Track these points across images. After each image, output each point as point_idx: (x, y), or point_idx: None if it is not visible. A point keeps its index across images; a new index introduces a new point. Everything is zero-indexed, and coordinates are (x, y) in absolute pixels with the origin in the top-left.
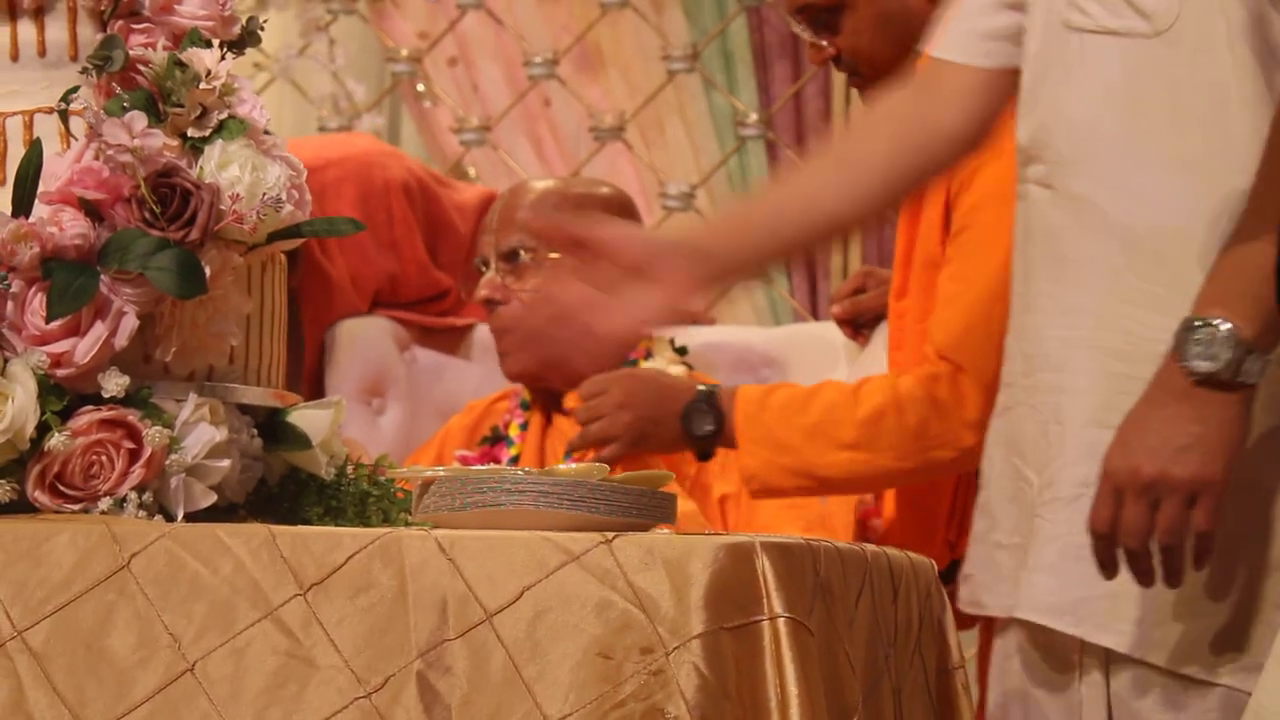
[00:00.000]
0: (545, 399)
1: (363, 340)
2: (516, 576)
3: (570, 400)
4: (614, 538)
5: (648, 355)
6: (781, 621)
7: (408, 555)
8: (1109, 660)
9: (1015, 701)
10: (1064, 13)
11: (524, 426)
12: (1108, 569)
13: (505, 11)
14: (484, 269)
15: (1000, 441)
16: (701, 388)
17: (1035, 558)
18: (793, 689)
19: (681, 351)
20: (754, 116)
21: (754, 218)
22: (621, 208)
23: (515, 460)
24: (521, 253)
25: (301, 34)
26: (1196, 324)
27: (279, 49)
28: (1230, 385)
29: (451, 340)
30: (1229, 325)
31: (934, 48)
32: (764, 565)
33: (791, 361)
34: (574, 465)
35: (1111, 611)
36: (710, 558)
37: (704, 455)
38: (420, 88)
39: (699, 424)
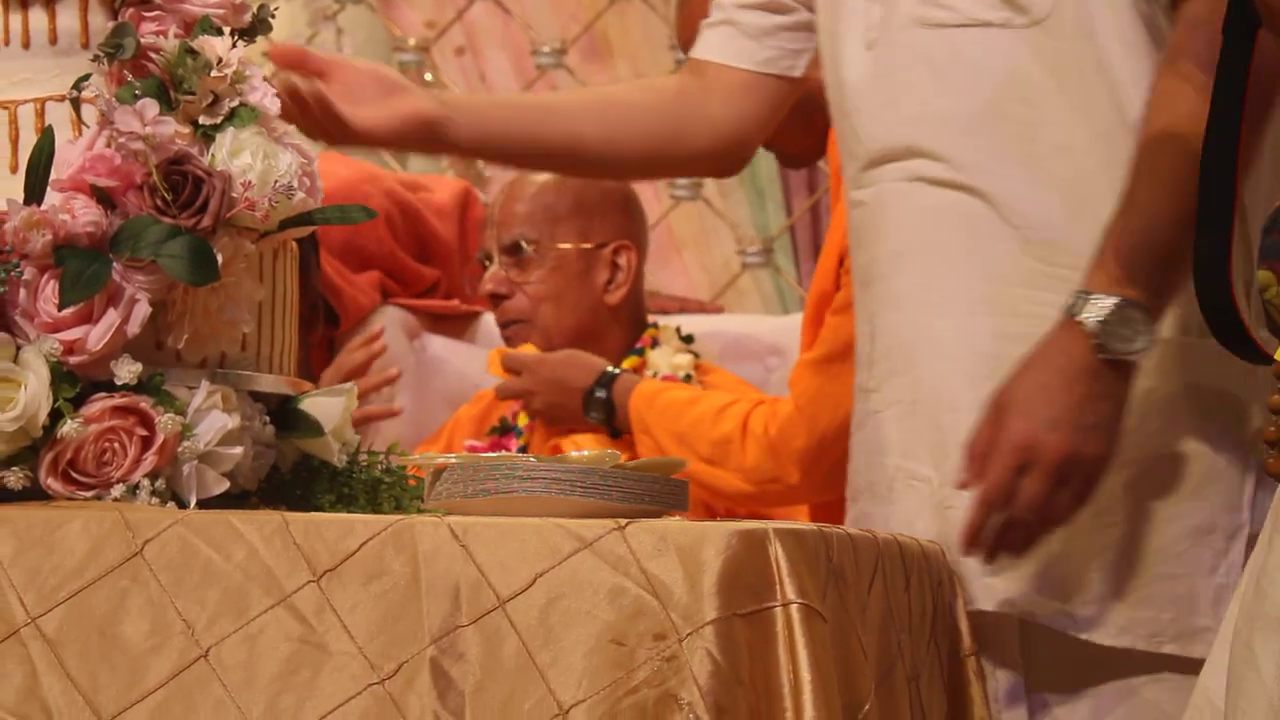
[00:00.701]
0: None
1: (370, 329)
2: (529, 563)
3: (494, 367)
4: (627, 524)
5: (654, 344)
6: (795, 608)
7: (420, 542)
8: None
9: None
10: (916, 11)
11: (532, 416)
12: (981, 542)
13: (513, 1)
14: (487, 264)
15: (868, 450)
16: (607, 372)
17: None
18: (806, 675)
19: (688, 340)
20: None
21: (506, 102)
22: (623, 198)
23: (524, 450)
24: (523, 245)
25: (309, 23)
26: (1113, 302)
27: (287, 37)
28: (1131, 365)
29: (459, 327)
30: (1144, 309)
31: (698, 50)
32: (777, 551)
33: (797, 350)
34: (586, 453)
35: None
36: (723, 544)
37: (613, 434)
38: (428, 77)
39: (592, 412)
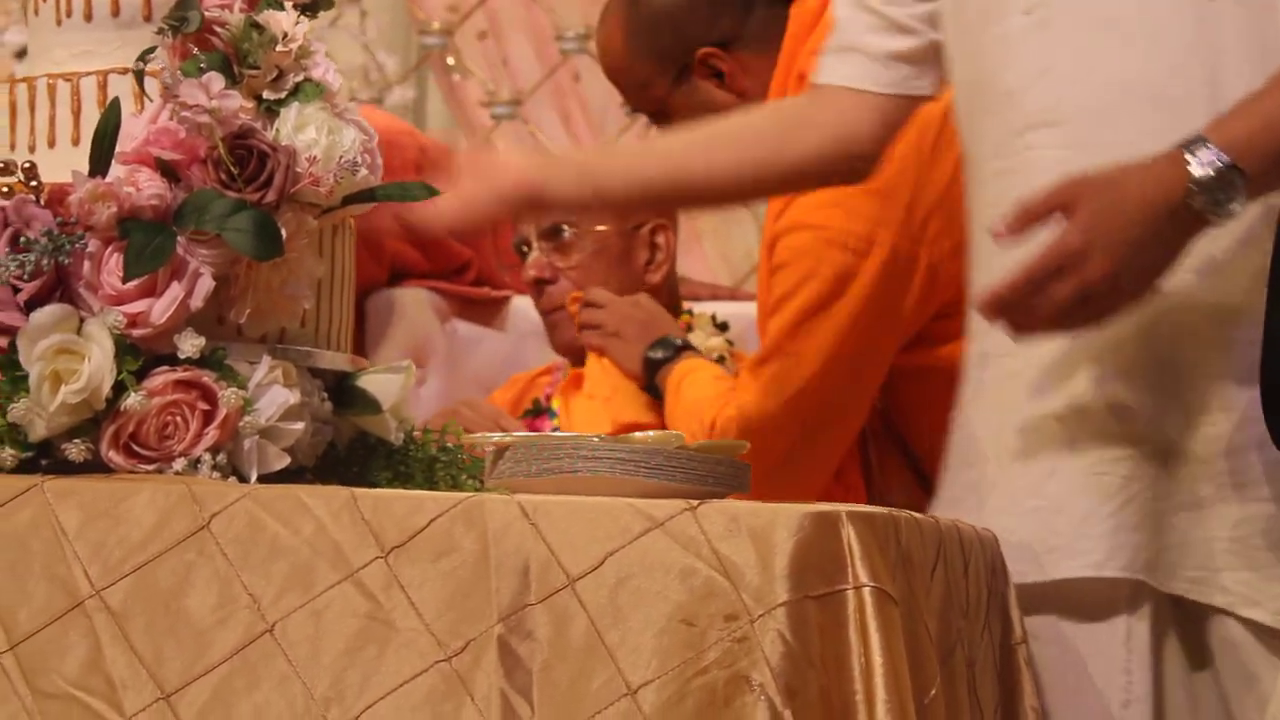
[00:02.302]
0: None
1: (403, 311)
2: (599, 542)
3: (572, 303)
4: (698, 505)
5: (689, 329)
6: (866, 591)
7: (490, 519)
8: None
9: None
10: None
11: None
12: (995, 307)
13: None
14: (525, 249)
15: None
16: (668, 340)
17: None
18: (877, 658)
19: (723, 327)
20: None
21: (597, 157)
22: None
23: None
24: (564, 229)
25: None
26: (1226, 162)
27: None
28: (1206, 224)
29: (489, 312)
30: (1247, 183)
31: (820, 75)
32: (849, 534)
33: None
34: (650, 434)
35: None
36: (795, 526)
37: (650, 389)
38: (450, 61)
39: (646, 369)
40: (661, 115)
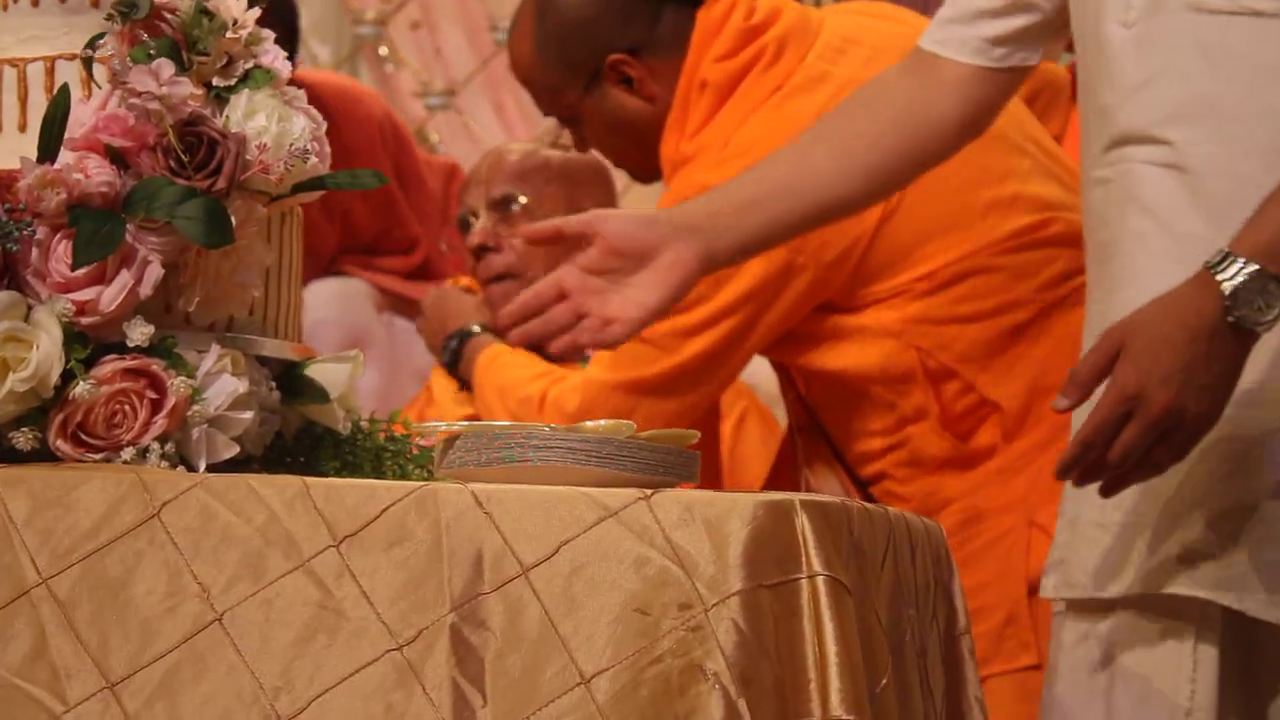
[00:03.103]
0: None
1: (340, 301)
2: (553, 531)
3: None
4: (652, 494)
5: None
6: (821, 580)
7: (443, 508)
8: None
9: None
10: None
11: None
12: (1074, 473)
13: None
14: (473, 219)
15: None
16: (460, 329)
17: None
18: (831, 647)
19: None
20: None
21: (747, 198)
22: (603, 170)
23: None
24: (516, 200)
25: None
26: (1254, 270)
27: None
28: (1255, 335)
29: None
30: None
31: (931, 41)
32: (803, 523)
33: None
34: (601, 423)
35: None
36: (749, 515)
37: (462, 386)
38: (383, 51)
39: (445, 358)
40: (573, 121)
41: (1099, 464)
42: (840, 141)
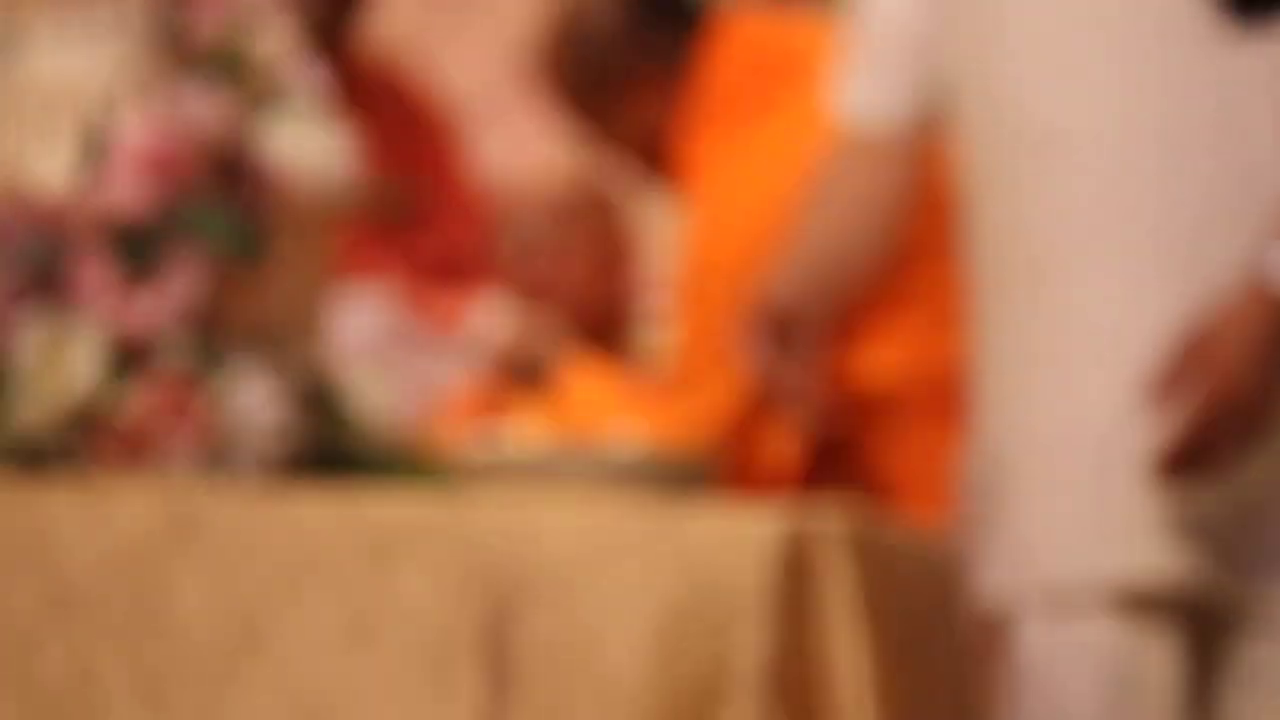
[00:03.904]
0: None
1: (365, 313)
2: (584, 542)
3: None
4: (680, 507)
5: None
6: (846, 588)
7: (476, 521)
8: None
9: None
10: None
11: None
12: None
13: None
14: None
15: None
16: None
17: None
18: (860, 658)
19: None
20: None
21: (813, 281)
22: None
23: None
24: None
25: None
26: None
27: None
28: None
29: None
30: None
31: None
32: (830, 534)
33: None
34: (627, 436)
35: None
36: (774, 524)
37: None
38: None
39: None
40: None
41: (1199, 458)
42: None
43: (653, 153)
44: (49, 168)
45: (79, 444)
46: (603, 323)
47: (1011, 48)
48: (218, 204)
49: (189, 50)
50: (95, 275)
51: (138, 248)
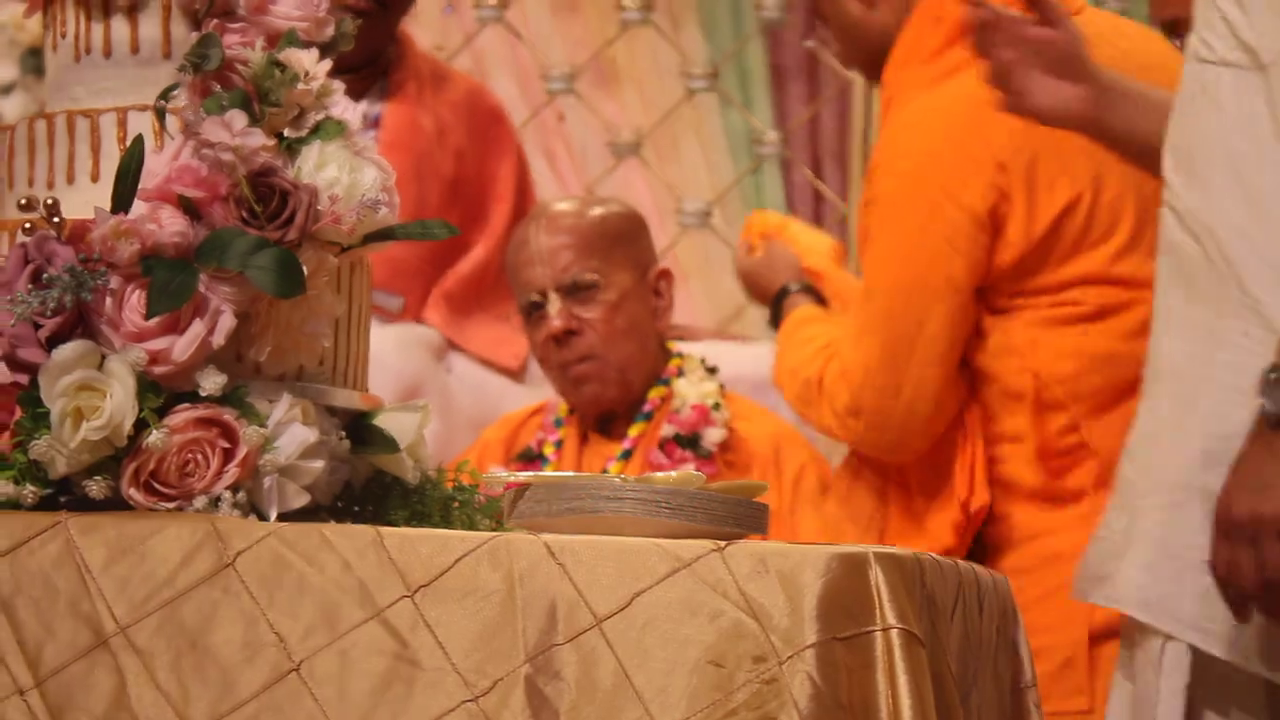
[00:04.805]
0: (583, 417)
1: (400, 350)
2: (627, 582)
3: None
4: (725, 545)
5: (680, 374)
6: (895, 632)
7: (516, 559)
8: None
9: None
10: (1193, 44)
11: (559, 445)
12: (1239, 612)
13: (522, 25)
14: (542, 300)
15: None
16: (794, 287)
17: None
18: (905, 700)
19: (712, 371)
20: (771, 135)
21: (1134, 96)
22: (644, 224)
23: None
24: (585, 281)
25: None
26: (1273, 372)
27: None
28: None
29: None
30: None
31: None
32: (877, 576)
33: None
34: (672, 474)
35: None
36: (823, 567)
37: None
38: None
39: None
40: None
41: (1251, 596)
42: None
43: (878, 62)
44: (81, 197)
45: (115, 480)
46: None
47: None
48: (256, 237)
49: (228, 81)
50: (133, 308)
51: (176, 280)
